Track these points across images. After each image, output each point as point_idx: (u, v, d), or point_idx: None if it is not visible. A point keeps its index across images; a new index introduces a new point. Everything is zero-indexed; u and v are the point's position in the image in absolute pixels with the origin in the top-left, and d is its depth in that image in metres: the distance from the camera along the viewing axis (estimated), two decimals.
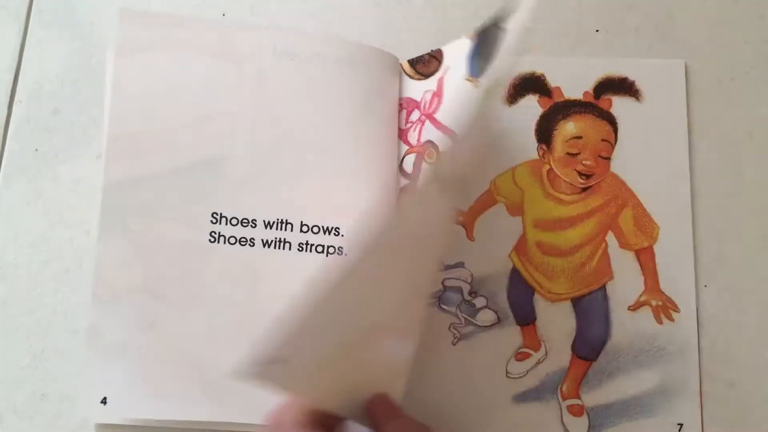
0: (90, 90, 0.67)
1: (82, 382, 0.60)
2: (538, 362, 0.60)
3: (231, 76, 0.61)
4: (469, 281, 0.61)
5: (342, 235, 0.60)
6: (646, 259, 0.61)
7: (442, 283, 0.61)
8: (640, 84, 0.64)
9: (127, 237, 0.59)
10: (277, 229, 0.60)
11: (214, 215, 0.60)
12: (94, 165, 0.65)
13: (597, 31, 0.66)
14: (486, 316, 0.60)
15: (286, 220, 0.60)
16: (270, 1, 0.68)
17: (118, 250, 0.59)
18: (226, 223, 0.60)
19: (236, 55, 0.61)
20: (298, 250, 0.60)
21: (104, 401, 0.58)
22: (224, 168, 0.60)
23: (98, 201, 0.61)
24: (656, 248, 0.61)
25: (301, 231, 0.60)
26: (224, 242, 0.59)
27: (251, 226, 0.60)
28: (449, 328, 0.60)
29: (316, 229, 0.60)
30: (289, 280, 0.59)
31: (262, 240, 0.60)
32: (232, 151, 0.60)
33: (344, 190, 0.61)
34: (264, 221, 0.60)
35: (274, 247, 0.60)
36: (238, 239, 0.59)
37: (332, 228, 0.60)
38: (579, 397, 0.59)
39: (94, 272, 0.59)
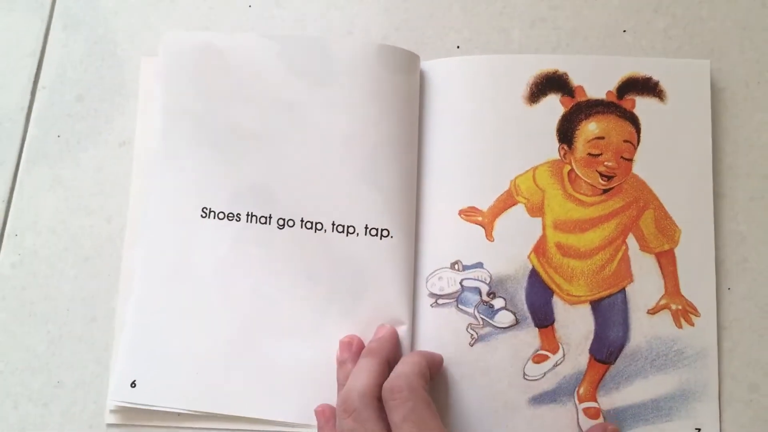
0: (113, 77, 0.67)
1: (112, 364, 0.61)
2: (556, 365, 0.58)
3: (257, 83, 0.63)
4: (487, 282, 0.60)
5: (357, 234, 0.60)
6: (666, 262, 0.59)
7: (461, 283, 0.60)
8: (664, 84, 0.62)
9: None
10: (301, 227, 0.61)
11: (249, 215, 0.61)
12: (116, 152, 0.65)
13: (624, 31, 0.64)
14: (504, 318, 0.59)
15: (303, 218, 0.61)
16: None
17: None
18: (253, 221, 0.61)
19: (256, 64, 0.63)
20: (318, 229, 0.61)
21: (133, 384, 0.59)
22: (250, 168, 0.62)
23: (121, 189, 0.64)
24: (677, 251, 0.59)
25: (316, 229, 0.61)
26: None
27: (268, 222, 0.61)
28: (467, 329, 0.59)
29: (340, 228, 0.60)
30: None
31: (278, 222, 0.61)
32: (258, 153, 0.62)
33: (363, 189, 0.60)
34: (280, 218, 0.61)
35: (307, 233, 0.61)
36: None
37: (348, 226, 0.60)
38: (596, 400, 0.58)
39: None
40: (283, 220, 0.60)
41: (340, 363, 0.57)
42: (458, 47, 0.65)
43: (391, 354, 0.56)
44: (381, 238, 0.60)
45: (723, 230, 0.60)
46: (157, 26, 0.67)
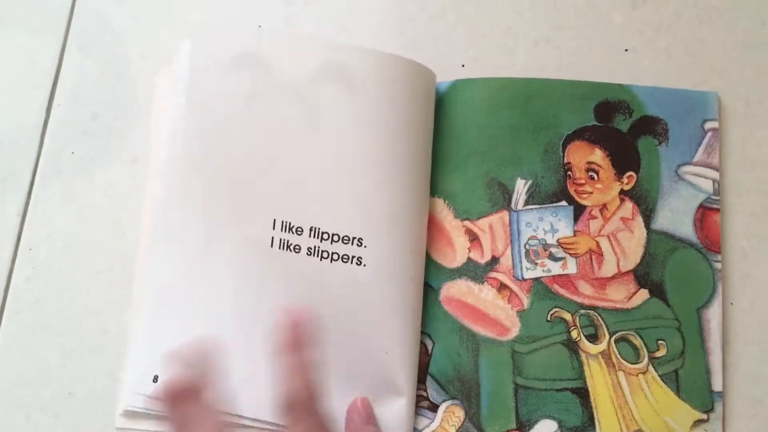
0: (127, 96, 0.65)
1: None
2: None
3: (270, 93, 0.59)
4: None
5: (365, 246, 0.57)
6: None
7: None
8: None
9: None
10: (315, 237, 0.57)
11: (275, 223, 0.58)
12: (130, 169, 0.63)
13: (626, 50, 0.63)
14: None
15: (319, 229, 0.57)
16: (304, 14, 0.66)
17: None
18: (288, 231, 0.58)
19: (274, 72, 0.59)
20: (324, 258, 0.57)
21: (155, 379, 0.56)
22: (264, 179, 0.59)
23: (133, 204, 0.62)
24: None
25: (323, 239, 0.57)
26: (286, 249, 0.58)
27: (297, 233, 0.58)
28: None
29: (336, 238, 0.57)
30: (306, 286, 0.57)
31: (308, 249, 0.57)
32: (276, 158, 0.58)
33: (375, 202, 0.57)
34: (285, 223, 0.58)
35: (315, 255, 0.57)
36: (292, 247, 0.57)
37: (355, 238, 0.57)
38: None
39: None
40: (290, 235, 0.57)
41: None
42: (463, 66, 0.64)
43: None
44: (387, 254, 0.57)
45: (726, 245, 0.58)
46: (169, 46, 0.65)
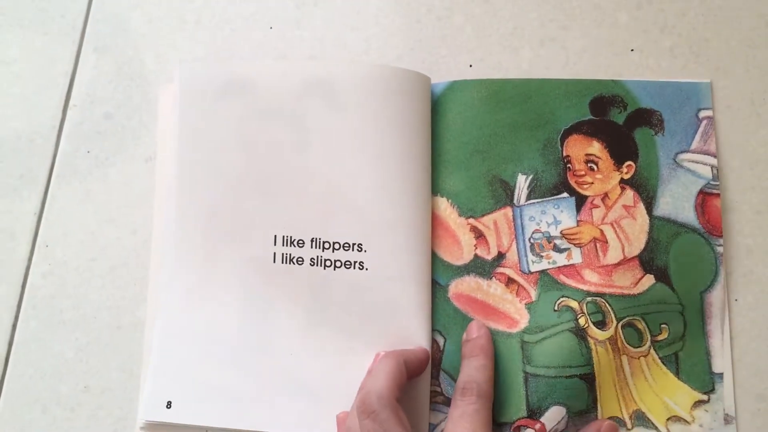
0: (141, 96, 0.65)
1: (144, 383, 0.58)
2: None
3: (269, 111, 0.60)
4: None
5: (365, 251, 0.57)
6: None
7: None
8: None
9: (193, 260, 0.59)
10: (316, 247, 0.58)
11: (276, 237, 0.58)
12: (143, 167, 0.63)
13: (632, 50, 0.62)
14: None
15: (320, 239, 0.58)
16: (315, 15, 0.65)
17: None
18: (286, 244, 0.58)
19: (271, 90, 0.60)
20: (327, 267, 0.58)
21: (168, 405, 0.56)
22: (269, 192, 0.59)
23: (147, 202, 0.62)
24: None
25: (324, 248, 0.58)
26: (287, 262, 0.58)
27: (299, 245, 0.58)
28: None
29: (337, 246, 0.58)
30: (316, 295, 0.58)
31: (311, 259, 0.58)
32: (270, 177, 0.59)
33: (375, 210, 0.58)
34: (286, 238, 0.58)
35: (319, 265, 0.58)
36: (294, 258, 0.58)
37: (355, 244, 0.57)
38: None
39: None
40: (291, 249, 0.58)
41: (370, 372, 0.55)
42: (471, 66, 0.63)
43: (410, 355, 0.54)
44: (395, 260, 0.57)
45: (730, 243, 0.58)
46: (182, 47, 0.65)
